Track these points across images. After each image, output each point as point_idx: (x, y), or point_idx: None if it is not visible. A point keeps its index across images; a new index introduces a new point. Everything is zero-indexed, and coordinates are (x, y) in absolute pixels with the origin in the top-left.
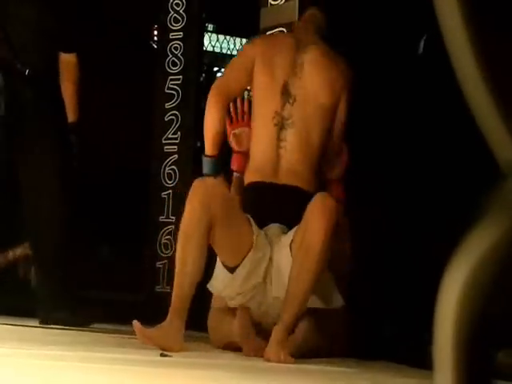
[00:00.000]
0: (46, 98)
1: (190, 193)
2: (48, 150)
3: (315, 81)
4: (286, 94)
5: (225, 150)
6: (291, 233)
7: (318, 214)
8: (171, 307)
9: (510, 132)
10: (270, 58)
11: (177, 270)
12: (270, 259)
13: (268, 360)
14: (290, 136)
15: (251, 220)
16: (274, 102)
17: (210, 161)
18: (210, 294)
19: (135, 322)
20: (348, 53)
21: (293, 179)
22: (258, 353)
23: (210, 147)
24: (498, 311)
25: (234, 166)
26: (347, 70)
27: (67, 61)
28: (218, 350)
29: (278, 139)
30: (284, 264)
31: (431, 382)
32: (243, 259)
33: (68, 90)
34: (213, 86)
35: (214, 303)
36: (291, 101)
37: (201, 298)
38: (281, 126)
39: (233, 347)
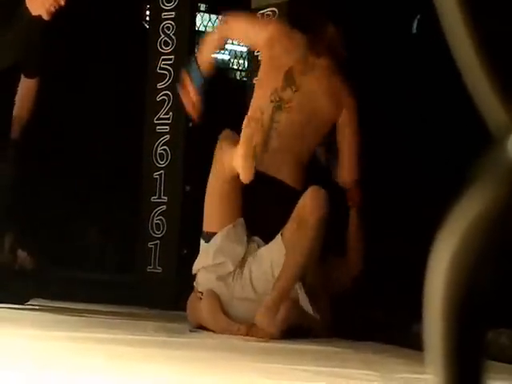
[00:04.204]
0: None
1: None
2: None
3: (320, 85)
4: (289, 78)
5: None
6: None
7: (311, 204)
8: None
9: (501, 98)
10: (282, 40)
11: None
12: (243, 259)
13: (257, 323)
14: (284, 120)
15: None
16: (276, 80)
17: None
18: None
19: None
20: (344, 34)
21: (277, 168)
22: (228, 331)
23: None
24: (487, 286)
25: None
26: (351, 95)
27: (27, 85)
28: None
29: (272, 120)
30: (261, 269)
31: (419, 363)
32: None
33: (18, 112)
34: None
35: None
36: (294, 88)
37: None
38: (277, 106)
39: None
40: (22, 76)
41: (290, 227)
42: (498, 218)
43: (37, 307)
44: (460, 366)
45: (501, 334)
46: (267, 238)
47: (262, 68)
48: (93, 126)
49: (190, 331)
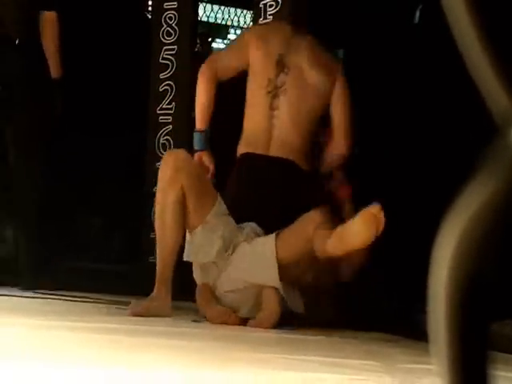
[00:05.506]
0: (28, 58)
1: (161, 164)
2: (31, 108)
3: (310, 61)
4: (280, 64)
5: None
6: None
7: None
8: (157, 277)
9: (505, 87)
10: (265, 36)
11: (157, 239)
12: (234, 248)
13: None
14: (283, 104)
15: (219, 197)
16: (269, 70)
17: (198, 135)
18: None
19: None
20: (345, 24)
21: (285, 151)
22: (221, 319)
23: (197, 121)
24: (490, 277)
25: None
26: (339, 64)
27: (47, 19)
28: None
29: (271, 108)
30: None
31: (422, 353)
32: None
33: (49, 48)
34: (206, 61)
35: None
36: (286, 70)
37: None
38: (274, 94)
39: None
40: (42, 13)
41: (287, 236)
42: (502, 207)
43: (40, 297)
44: (464, 356)
45: (505, 325)
46: (268, 221)
47: (251, 70)
48: (95, 117)
49: (193, 321)
